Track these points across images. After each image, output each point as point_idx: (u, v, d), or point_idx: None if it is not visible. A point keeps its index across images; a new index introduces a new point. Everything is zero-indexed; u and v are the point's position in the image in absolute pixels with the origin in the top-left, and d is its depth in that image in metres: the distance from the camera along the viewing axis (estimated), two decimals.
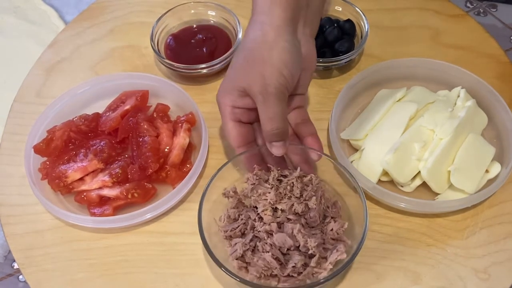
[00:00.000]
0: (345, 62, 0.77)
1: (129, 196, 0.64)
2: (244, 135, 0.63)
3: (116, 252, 0.63)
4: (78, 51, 0.84)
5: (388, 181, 0.67)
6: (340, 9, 0.82)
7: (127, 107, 0.71)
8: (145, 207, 0.63)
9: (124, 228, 0.65)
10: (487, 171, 0.66)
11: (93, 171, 0.66)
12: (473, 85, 0.72)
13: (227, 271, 0.54)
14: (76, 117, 0.71)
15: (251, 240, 0.58)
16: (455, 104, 0.70)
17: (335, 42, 0.77)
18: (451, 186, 0.65)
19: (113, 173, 0.65)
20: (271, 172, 0.61)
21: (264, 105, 0.58)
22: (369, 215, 0.64)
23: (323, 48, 0.77)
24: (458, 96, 0.71)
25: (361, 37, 0.78)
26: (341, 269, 0.54)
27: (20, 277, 1.12)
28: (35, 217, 0.66)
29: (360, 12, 0.79)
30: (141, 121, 0.69)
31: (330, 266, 0.56)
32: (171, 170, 0.66)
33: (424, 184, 0.65)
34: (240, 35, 0.77)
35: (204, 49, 0.79)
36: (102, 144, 0.67)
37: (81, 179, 0.66)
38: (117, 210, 0.65)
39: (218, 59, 0.75)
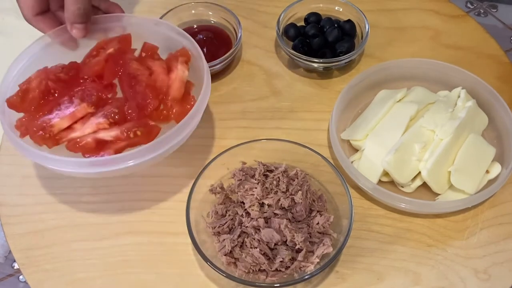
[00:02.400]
0: (346, 63, 0.77)
1: (131, 135, 0.56)
2: (40, 4, 0.63)
3: (117, 252, 0.63)
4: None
5: (389, 182, 0.67)
6: (341, 10, 0.82)
7: (110, 50, 0.62)
8: (150, 144, 0.54)
9: (126, 226, 0.65)
10: (487, 171, 0.66)
11: (82, 117, 0.57)
12: (474, 86, 0.72)
13: (215, 267, 0.55)
14: (52, 66, 0.62)
15: (239, 236, 0.59)
16: (456, 104, 0.70)
17: (335, 42, 0.77)
18: (451, 187, 0.65)
19: (108, 112, 0.56)
20: (257, 168, 0.63)
21: None
22: (370, 216, 0.65)
23: (323, 48, 0.77)
24: (459, 96, 0.71)
25: (362, 37, 0.78)
26: (328, 263, 0.56)
27: (21, 277, 1.12)
28: (36, 217, 0.66)
29: (361, 13, 0.79)
30: (129, 60, 0.60)
31: (317, 260, 0.57)
32: (173, 105, 0.58)
33: (424, 185, 0.65)
34: (240, 35, 0.77)
35: (205, 50, 0.79)
36: (89, 88, 0.58)
37: (70, 127, 0.57)
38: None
39: (219, 59, 0.75)
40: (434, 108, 0.68)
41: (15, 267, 1.12)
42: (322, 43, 0.77)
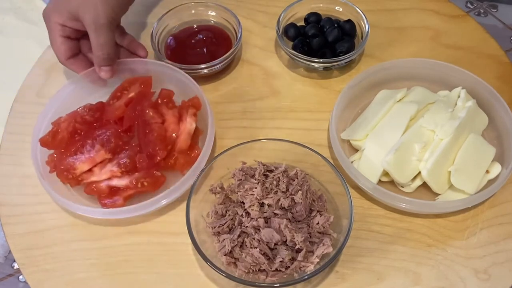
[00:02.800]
0: (346, 63, 0.77)
1: (139, 185, 0.64)
2: (72, 49, 0.71)
3: (117, 252, 0.63)
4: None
5: (389, 182, 0.67)
6: (341, 10, 0.82)
7: (131, 94, 0.71)
8: (156, 196, 0.62)
9: (126, 226, 0.65)
10: (487, 171, 0.66)
11: (101, 162, 0.65)
12: (474, 86, 0.72)
13: (215, 267, 0.55)
14: (80, 107, 0.70)
15: (239, 236, 0.59)
16: (456, 104, 0.70)
17: (335, 42, 0.77)
18: (451, 187, 0.65)
19: (121, 162, 0.64)
20: (257, 167, 0.63)
21: (95, 33, 0.67)
22: (370, 216, 0.65)
23: (323, 48, 0.77)
24: (459, 96, 0.71)
25: (362, 37, 0.78)
26: (328, 263, 0.56)
27: (20, 277, 1.12)
28: (36, 217, 0.66)
29: (361, 13, 0.79)
30: (146, 108, 0.68)
31: (317, 260, 0.57)
32: (179, 157, 0.65)
33: (424, 185, 0.65)
34: (240, 35, 0.77)
35: (205, 49, 0.79)
36: (108, 134, 0.66)
37: (90, 170, 0.65)
38: (127, 200, 0.65)
39: (219, 59, 0.75)
40: (434, 108, 0.68)
41: (15, 267, 1.12)
42: (322, 43, 0.77)
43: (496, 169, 0.66)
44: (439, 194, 0.65)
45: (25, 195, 0.68)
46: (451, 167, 0.64)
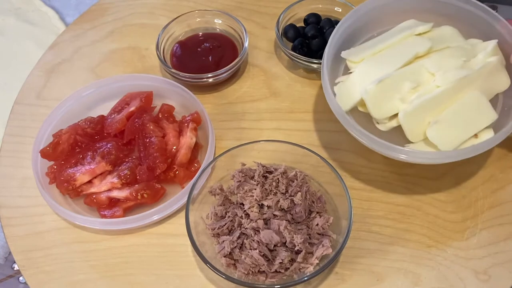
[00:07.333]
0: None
1: (139, 197, 0.64)
2: None
3: (117, 253, 0.64)
4: (78, 52, 0.84)
5: (365, 113, 0.62)
6: (340, 10, 0.82)
7: (132, 108, 0.71)
8: (155, 208, 0.63)
9: (128, 230, 0.65)
10: (476, 135, 0.59)
11: (101, 174, 0.66)
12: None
13: (214, 268, 0.56)
14: (81, 120, 0.71)
15: (238, 238, 0.59)
16: (476, 56, 0.61)
17: None
18: (426, 139, 0.59)
19: (122, 174, 0.65)
20: (257, 169, 0.63)
21: None
22: (369, 216, 0.65)
23: (323, 49, 0.76)
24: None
25: None
26: (328, 264, 0.56)
27: (21, 278, 1.12)
28: (36, 219, 0.67)
29: None
30: (147, 122, 0.69)
31: (317, 261, 0.57)
32: (179, 170, 0.66)
33: (400, 128, 0.60)
34: (246, 44, 0.76)
35: (210, 58, 0.78)
36: (109, 146, 0.67)
37: (90, 181, 0.66)
38: (127, 212, 0.65)
39: (224, 68, 0.74)
40: (448, 51, 0.61)
41: (15, 268, 1.12)
42: (321, 43, 0.77)
43: (487, 135, 0.59)
44: (411, 142, 0.60)
45: (25, 197, 0.68)
46: (433, 117, 0.58)
